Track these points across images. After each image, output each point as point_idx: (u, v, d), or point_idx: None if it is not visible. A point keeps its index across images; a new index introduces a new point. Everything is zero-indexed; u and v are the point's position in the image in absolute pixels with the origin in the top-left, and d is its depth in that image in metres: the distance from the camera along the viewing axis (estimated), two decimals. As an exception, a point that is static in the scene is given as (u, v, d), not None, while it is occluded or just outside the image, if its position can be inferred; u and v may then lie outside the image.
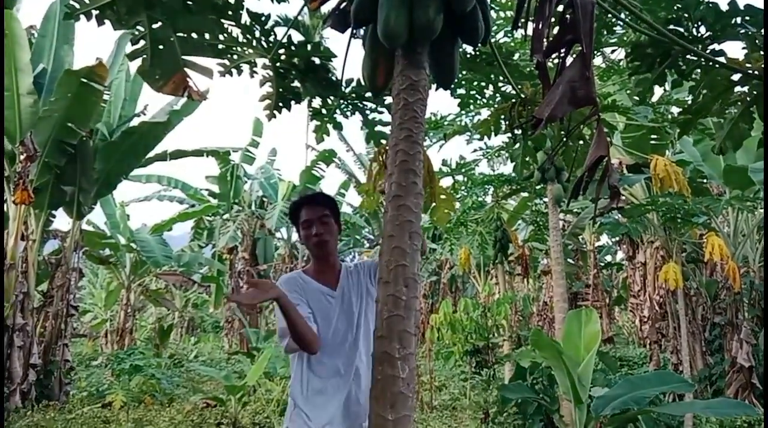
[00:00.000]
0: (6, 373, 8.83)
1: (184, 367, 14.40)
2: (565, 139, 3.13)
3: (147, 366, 10.60)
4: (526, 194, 9.89)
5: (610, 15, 3.01)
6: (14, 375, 8.86)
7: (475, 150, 7.20)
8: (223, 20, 2.63)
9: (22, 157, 8.68)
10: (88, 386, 11.11)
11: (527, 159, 4.83)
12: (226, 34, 2.70)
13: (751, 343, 7.90)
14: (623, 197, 9.07)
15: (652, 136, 8.12)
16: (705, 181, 9.00)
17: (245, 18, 2.62)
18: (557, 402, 5.60)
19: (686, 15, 2.67)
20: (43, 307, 10.18)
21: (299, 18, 2.75)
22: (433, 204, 4.14)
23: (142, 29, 2.63)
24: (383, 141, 3.39)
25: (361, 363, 2.26)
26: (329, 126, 3.36)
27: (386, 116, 3.23)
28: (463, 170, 7.42)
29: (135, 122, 10.31)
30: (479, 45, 2.37)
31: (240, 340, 16.71)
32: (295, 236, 20.13)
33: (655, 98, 6.30)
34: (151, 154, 10.82)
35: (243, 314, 16.90)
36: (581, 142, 3.92)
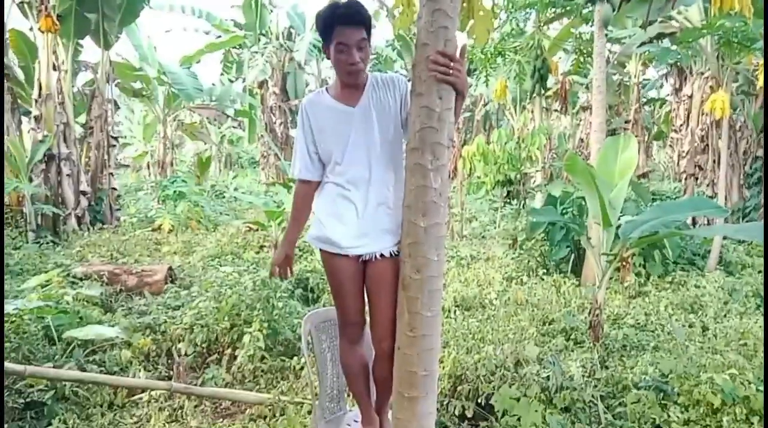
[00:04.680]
0: (59, 199, 9.40)
1: (225, 198, 15.09)
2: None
3: (190, 193, 11.08)
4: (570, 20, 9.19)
5: None
6: (67, 201, 9.44)
7: (518, -34, 6.56)
8: None
9: (39, -19, 8.34)
10: (137, 212, 11.81)
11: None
12: None
13: (792, 176, 7.73)
14: (676, 23, 8.36)
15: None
16: (772, 1, 8.15)
17: None
18: (585, 230, 5.73)
19: None
20: (84, 138, 10.48)
21: None
22: (471, 21, 3.87)
23: None
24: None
25: (379, 175, 2.27)
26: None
27: None
28: (504, -11, 6.84)
29: (154, -58, 9.61)
30: None
31: (276, 173, 17.20)
32: (325, 72, 19.63)
33: None
34: (173, -22, 10.25)
35: (278, 149, 17.19)
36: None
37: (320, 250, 2.37)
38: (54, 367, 3.62)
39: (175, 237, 9.18)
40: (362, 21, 2.17)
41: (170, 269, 6.42)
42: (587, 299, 5.43)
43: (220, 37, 16.21)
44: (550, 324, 4.88)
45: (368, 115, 2.25)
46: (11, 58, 10.27)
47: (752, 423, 2.97)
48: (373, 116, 2.25)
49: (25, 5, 9.14)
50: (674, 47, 8.00)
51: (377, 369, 2.35)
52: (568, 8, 7.63)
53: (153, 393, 3.64)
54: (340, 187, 2.28)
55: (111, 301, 5.60)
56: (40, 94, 9.22)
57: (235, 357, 4.07)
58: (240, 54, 18.22)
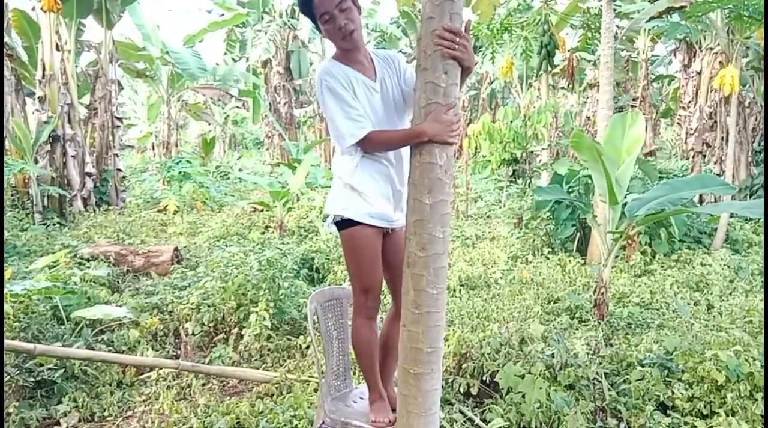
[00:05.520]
0: (65, 181, 9.42)
1: (230, 179, 15.09)
2: None
3: (195, 173, 11.08)
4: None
5: None
6: (73, 182, 9.46)
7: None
8: None
9: (40, -40, 8.25)
10: (143, 193, 11.83)
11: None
12: None
13: (800, 154, 7.65)
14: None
15: None
16: (785, -27, 7.97)
17: None
18: (591, 208, 5.70)
19: None
20: (89, 119, 10.46)
21: None
22: (476, -4, 3.81)
23: None
24: None
25: (404, 150, 2.27)
26: None
27: None
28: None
29: None
30: None
31: (281, 154, 17.17)
32: (330, 51, 19.43)
33: None
34: (173, -44, 10.10)
35: (282, 129, 17.14)
36: None
37: (348, 225, 2.28)
38: (63, 346, 3.67)
39: (180, 218, 9.21)
40: None
41: (176, 249, 6.44)
42: (592, 278, 5.42)
43: (222, 15, 16.05)
44: (555, 303, 4.89)
45: (386, 90, 2.28)
46: (14, 39, 10.21)
47: (756, 400, 2.98)
48: (391, 91, 2.28)
49: (27, -16, 9.09)
50: (683, 22, 7.85)
51: (397, 333, 2.20)
52: (575, -18, 7.52)
53: (161, 371, 3.68)
54: (377, 163, 2.26)
55: (118, 281, 5.64)
56: (43, 75, 9.20)
57: (242, 336, 4.11)
58: (243, 33, 18.06)
